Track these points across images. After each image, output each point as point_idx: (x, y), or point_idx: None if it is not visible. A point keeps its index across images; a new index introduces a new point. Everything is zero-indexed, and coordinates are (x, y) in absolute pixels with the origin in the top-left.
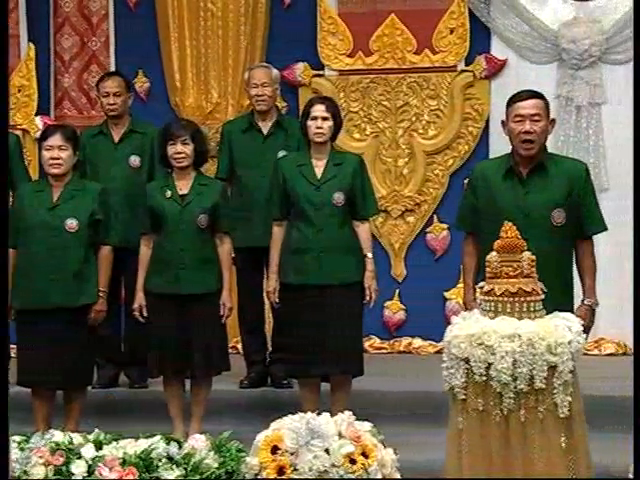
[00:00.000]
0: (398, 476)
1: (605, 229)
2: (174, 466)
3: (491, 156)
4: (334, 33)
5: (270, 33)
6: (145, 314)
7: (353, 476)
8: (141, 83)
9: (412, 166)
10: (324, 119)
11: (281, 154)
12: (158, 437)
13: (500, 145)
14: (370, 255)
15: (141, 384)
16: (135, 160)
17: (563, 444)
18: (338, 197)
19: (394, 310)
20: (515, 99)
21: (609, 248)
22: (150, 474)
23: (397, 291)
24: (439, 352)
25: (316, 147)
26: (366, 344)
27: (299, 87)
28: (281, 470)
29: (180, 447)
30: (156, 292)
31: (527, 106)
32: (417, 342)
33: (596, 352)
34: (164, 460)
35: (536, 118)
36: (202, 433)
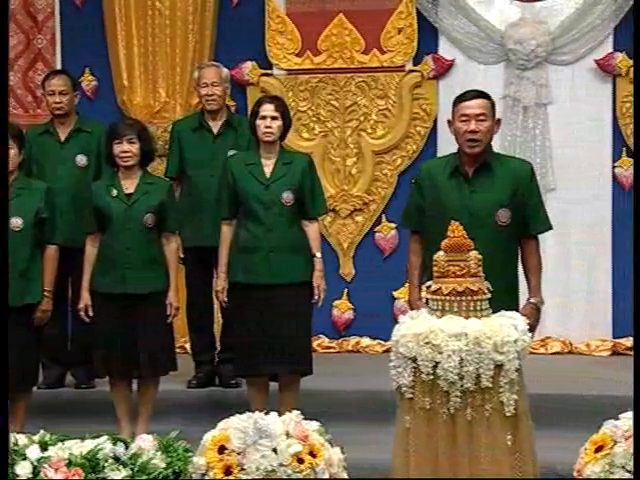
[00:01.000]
0: (345, 475)
1: (550, 228)
2: (121, 467)
3: (439, 155)
4: (282, 32)
5: (218, 32)
6: (91, 314)
7: (301, 475)
8: (88, 81)
9: (361, 166)
10: (273, 118)
11: (231, 153)
12: (105, 437)
13: (448, 145)
14: (319, 255)
15: (88, 384)
16: (82, 159)
17: (509, 442)
18: (287, 196)
19: (343, 309)
20: (461, 99)
21: (555, 247)
22: (96, 475)
23: (346, 290)
24: (387, 351)
25: (265, 146)
26: (315, 343)
27: (247, 86)
28: (228, 470)
29: (127, 447)
30: (102, 292)
31: (472, 106)
32: (365, 341)
33: (542, 351)
34: (110, 461)
35: (481, 118)
36: (149, 433)
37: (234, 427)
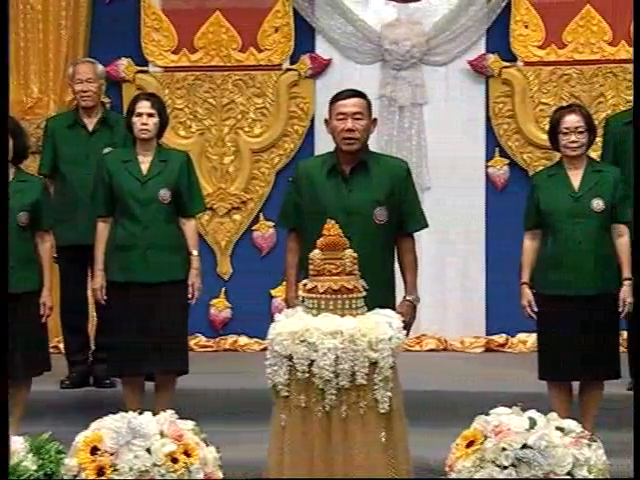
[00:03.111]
0: (220, 475)
1: (426, 226)
2: None
3: (316, 154)
4: (158, 29)
5: (93, 28)
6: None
7: (175, 475)
8: None
9: (238, 164)
10: (149, 115)
11: (106, 151)
12: None
13: (325, 143)
14: (195, 253)
15: None
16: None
17: (383, 439)
18: (164, 194)
19: (220, 308)
20: (337, 98)
21: (431, 245)
22: None
23: (223, 289)
24: (265, 350)
25: (141, 144)
26: (192, 342)
27: (123, 83)
28: (101, 471)
29: None
30: None
31: (349, 104)
32: (243, 340)
33: (417, 348)
34: None
35: (358, 116)
36: (21, 435)
37: (107, 427)
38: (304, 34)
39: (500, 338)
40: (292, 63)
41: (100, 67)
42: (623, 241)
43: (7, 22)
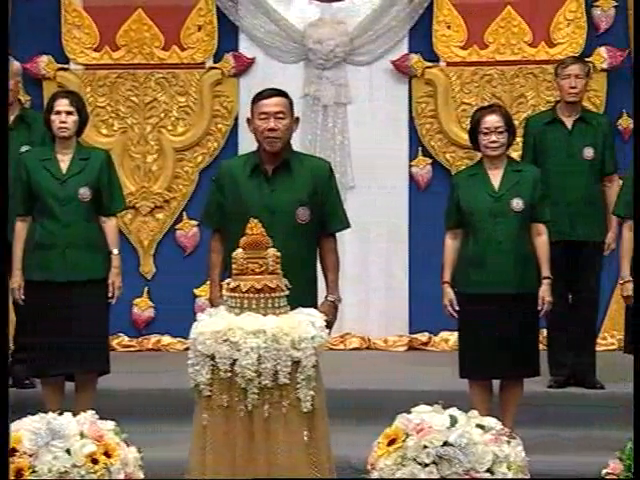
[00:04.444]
0: (141, 475)
1: (348, 226)
2: None
3: (240, 153)
4: (79, 26)
5: (13, 24)
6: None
7: (95, 476)
8: None
9: (161, 163)
10: (68, 113)
11: (24, 149)
12: None
13: (249, 142)
14: (116, 251)
15: None
16: None
17: (305, 438)
18: (84, 192)
19: (143, 307)
20: (259, 97)
21: (354, 245)
22: None
23: (146, 288)
24: (188, 349)
25: (61, 142)
26: (114, 342)
27: (43, 81)
28: (19, 472)
29: None
30: None
31: (271, 104)
32: (166, 339)
33: (341, 347)
34: None
35: (280, 116)
36: None
37: (26, 428)
38: (227, 33)
39: (423, 337)
40: (215, 62)
41: (16, 64)
42: (542, 240)
43: (7, 24)
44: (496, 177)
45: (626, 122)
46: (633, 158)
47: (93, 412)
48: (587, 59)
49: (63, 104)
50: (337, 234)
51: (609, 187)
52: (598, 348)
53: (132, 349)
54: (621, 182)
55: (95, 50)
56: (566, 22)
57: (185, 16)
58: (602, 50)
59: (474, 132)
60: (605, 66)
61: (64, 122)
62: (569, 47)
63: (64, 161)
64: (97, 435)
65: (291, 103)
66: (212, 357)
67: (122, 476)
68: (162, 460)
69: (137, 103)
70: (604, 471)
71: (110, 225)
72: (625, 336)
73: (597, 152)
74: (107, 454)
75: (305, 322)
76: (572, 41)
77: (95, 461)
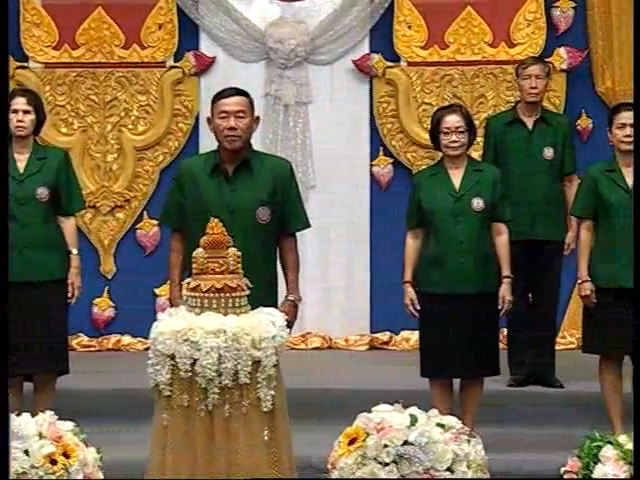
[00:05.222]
0: (101, 475)
1: (308, 226)
2: None
3: (201, 152)
4: (38, 25)
5: None
6: None
7: (54, 477)
8: None
9: (121, 162)
10: (25, 112)
11: None
12: None
13: (210, 142)
14: (75, 251)
15: None
16: None
17: (266, 437)
18: (42, 192)
19: (103, 307)
20: (220, 96)
21: (315, 244)
22: None
23: (106, 288)
24: (149, 349)
25: (18, 141)
26: (74, 342)
27: None
28: None
29: None
30: None
31: (231, 103)
32: (126, 339)
33: (303, 346)
34: None
35: (240, 115)
36: None
37: None
38: (188, 31)
39: (384, 336)
40: (176, 60)
41: None
42: (502, 240)
43: (6, 22)
44: (457, 177)
45: (585, 122)
46: (633, 158)
47: (52, 412)
48: (547, 59)
49: (20, 103)
50: (298, 234)
51: (569, 187)
52: (557, 347)
53: (92, 349)
54: (579, 182)
55: (54, 48)
56: (526, 22)
57: (145, 15)
58: (561, 50)
59: (435, 132)
60: (564, 66)
61: (21, 121)
62: (529, 47)
63: (21, 161)
64: (56, 436)
65: (252, 102)
66: (172, 357)
67: (81, 476)
68: (122, 460)
69: (97, 102)
70: (563, 469)
71: (69, 225)
72: (583, 335)
73: (557, 152)
74: (66, 455)
75: (266, 322)
76: (532, 41)
77: (54, 462)
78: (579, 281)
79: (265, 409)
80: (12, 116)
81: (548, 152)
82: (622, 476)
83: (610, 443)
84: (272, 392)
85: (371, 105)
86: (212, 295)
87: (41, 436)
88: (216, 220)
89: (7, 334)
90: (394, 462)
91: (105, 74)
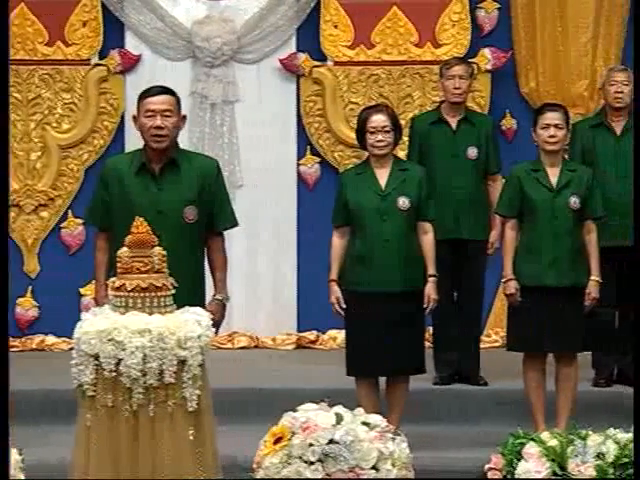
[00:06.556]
0: (22, 477)
1: (236, 225)
2: None
3: (127, 151)
4: None
5: None
6: None
7: None
8: None
9: (45, 160)
10: None
11: None
12: None
13: (136, 140)
14: None
15: None
16: None
17: (191, 437)
18: None
19: (26, 307)
20: (146, 94)
21: (243, 243)
22: None
23: (30, 288)
24: (73, 349)
25: None
26: None
27: None
28: None
29: None
30: None
31: (157, 102)
32: (51, 339)
33: (229, 346)
34: None
35: (167, 114)
36: None
37: None
38: (113, 29)
39: (311, 335)
40: (101, 58)
41: None
42: (427, 239)
43: (7, 22)
44: (383, 176)
45: (509, 122)
46: (633, 158)
47: None
48: (471, 60)
49: None
50: (225, 233)
51: (492, 186)
52: (482, 345)
53: (15, 349)
54: (504, 181)
55: None
56: (451, 23)
57: (69, 12)
58: (486, 51)
59: (361, 131)
60: (489, 67)
61: None
62: (454, 48)
63: None
64: None
65: (178, 101)
66: (96, 357)
67: None
68: (44, 462)
69: (20, 100)
70: (487, 466)
71: None
72: (508, 333)
73: (481, 152)
74: None
75: (191, 321)
76: (457, 42)
77: None
78: (504, 279)
79: (190, 409)
80: None
81: (472, 152)
82: (544, 473)
83: (533, 440)
84: (198, 392)
85: (298, 104)
86: (137, 294)
87: None
88: (141, 219)
89: (7, 333)
90: (319, 461)
91: (28, 71)
